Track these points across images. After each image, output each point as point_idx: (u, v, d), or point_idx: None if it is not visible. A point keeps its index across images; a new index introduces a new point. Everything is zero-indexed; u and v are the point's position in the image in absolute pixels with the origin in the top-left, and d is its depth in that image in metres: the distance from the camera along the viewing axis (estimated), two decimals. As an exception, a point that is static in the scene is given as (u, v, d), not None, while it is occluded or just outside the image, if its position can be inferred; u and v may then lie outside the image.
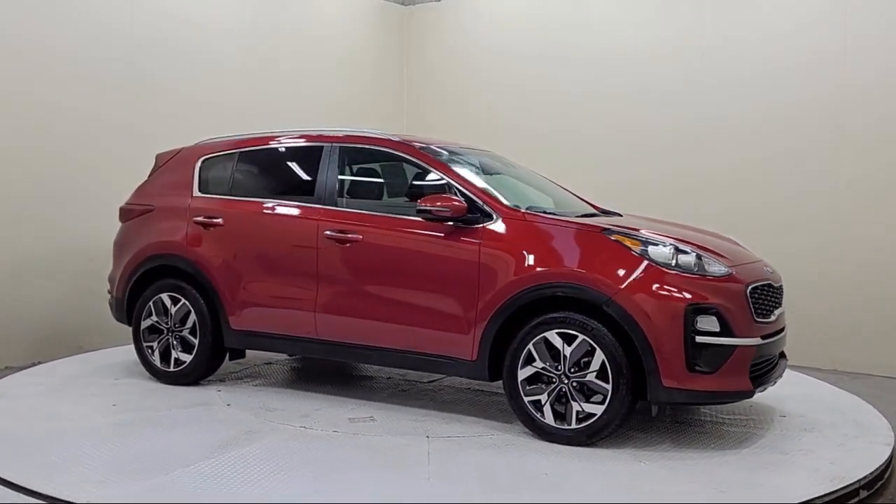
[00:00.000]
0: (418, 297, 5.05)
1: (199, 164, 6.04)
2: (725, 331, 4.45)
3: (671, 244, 4.62)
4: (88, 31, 7.18)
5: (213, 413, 5.19)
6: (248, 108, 8.23)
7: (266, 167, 5.98)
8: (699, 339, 4.40)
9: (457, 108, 9.57)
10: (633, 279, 4.50)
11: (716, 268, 4.60)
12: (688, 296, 4.44)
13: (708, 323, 4.44)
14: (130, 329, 6.06)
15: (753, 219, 7.55)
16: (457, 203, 4.91)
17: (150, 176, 6.34)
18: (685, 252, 4.59)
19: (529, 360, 4.69)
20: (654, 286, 4.47)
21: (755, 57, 7.72)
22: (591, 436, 4.56)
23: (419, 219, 5.10)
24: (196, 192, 5.94)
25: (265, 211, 5.64)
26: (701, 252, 4.65)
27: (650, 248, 4.59)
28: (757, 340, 4.60)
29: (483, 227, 4.91)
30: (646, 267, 4.52)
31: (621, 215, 5.64)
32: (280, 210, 5.60)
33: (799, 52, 7.50)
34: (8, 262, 6.75)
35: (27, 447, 4.47)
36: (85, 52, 7.15)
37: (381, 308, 5.15)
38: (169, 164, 6.22)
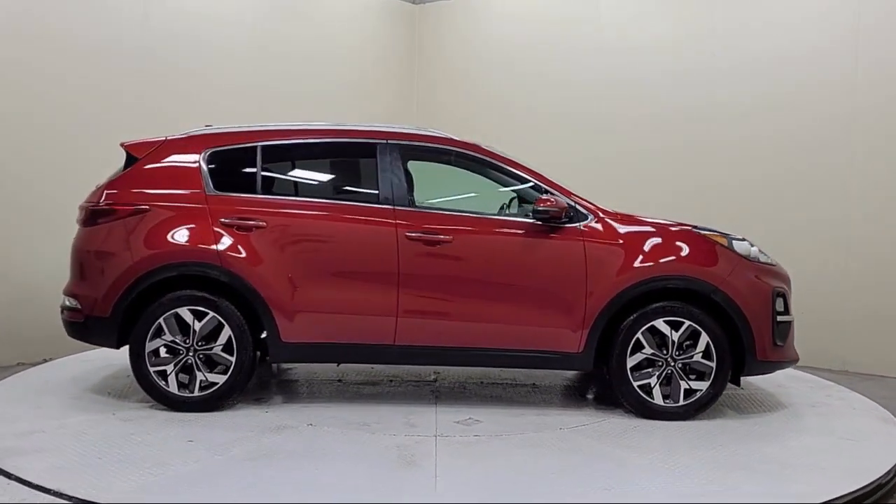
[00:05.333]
0: (522, 296, 5.14)
1: (204, 157, 5.29)
2: (786, 310, 5.37)
3: (746, 239, 5.40)
4: (102, 17, 7.44)
5: (312, 436, 4.68)
6: (258, 97, 8.43)
7: (302, 163, 5.46)
8: (779, 318, 5.26)
9: (466, 98, 9.59)
10: (732, 270, 5.18)
11: (766, 257, 5.48)
12: (771, 282, 5.27)
13: (780, 304, 5.31)
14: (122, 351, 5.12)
15: (763, 217, 7.62)
16: (563, 203, 5.13)
17: (125, 169, 5.34)
18: (752, 245, 5.40)
19: (638, 347, 5.12)
20: (748, 275, 5.22)
21: (765, 46, 7.73)
22: (699, 409, 5.16)
23: (511, 218, 5.25)
24: (212, 191, 5.20)
25: (323, 212, 5.18)
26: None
27: (734, 243, 5.31)
28: (793, 317, 5.61)
29: (583, 226, 5.19)
30: (736, 259, 5.24)
31: None
32: (344, 211, 5.20)
33: (810, 42, 7.48)
34: (14, 259, 6.99)
35: None
36: (98, 39, 7.39)
37: (481, 309, 5.13)
38: (155, 157, 5.32)
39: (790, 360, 5.43)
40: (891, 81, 7.14)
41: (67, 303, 5.27)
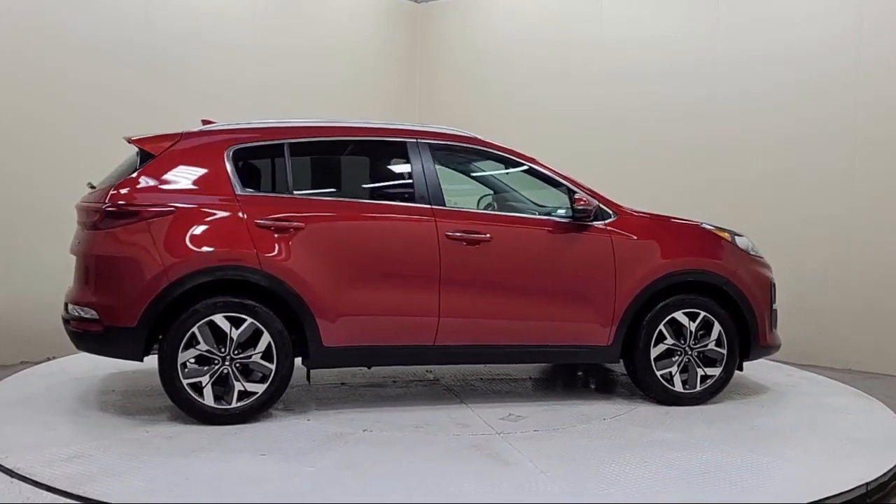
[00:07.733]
0: (559, 293, 5.28)
1: (229, 155, 5.00)
2: (774, 298, 5.87)
3: (743, 235, 5.83)
4: (103, 15, 7.47)
5: (379, 441, 4.59)
6: (259, 94, 8.46)
7: (332, 162, 5.29)
8: (774, 306, 5.74)
9: (468, 94, 9.55)
10: (738, 263, 5.59)
11: (755, 251, 5.95)
12: (767, 273, 5.73)
13: (772, 293, 5.80)
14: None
15: (765, 214, 7.61)
16: (594, 202, 5.32)
17: (139, 167, 4.92)
18: (748, 239, 5.84)
19: (661, 338, 5.42)
20: (751, 267, 5.65)
21: (767, 43, 7.72)
22: (713, 394, 5.53)
23: (544, 217, 5.37)
24: (242, 191, 4.93)
25: (362, 212, 5.06)
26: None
27: (736, 238, 5.72)
28: (773, 304, 6.12)
29: (608, 224, 5.40)
30: (740, 253, 5.65)
31: None
32: (382, 211, 5.10)
33: (812, 39, 7.47)
34: (15, 258, 7.02)
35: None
36: (99, 36, 7.43)
37: (519, 307, 5.21)
38: (174, 154, 4.96)
39: (779, 346, 5.94)
40: (893, 78, 7.15)
41: (78, 313, 4.81)
